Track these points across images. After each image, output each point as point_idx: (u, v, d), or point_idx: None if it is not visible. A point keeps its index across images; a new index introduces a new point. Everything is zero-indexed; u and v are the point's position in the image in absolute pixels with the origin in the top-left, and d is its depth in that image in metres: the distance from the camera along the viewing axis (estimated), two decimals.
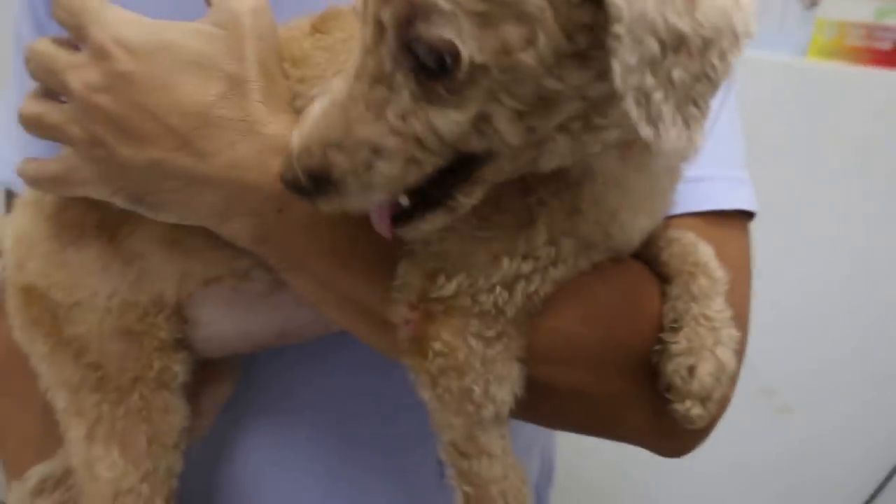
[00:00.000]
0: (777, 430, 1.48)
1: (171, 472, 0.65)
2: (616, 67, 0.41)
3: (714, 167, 0.68)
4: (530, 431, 0.85)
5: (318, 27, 0.62)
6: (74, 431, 0.65)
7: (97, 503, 0.64)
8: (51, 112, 0.58)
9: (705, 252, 0.60)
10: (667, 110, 0.42)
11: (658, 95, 0.42)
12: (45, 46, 0.58)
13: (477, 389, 0.55)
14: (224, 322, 0.66)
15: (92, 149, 0.57)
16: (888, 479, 1.42)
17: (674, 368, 0.57)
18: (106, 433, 0.64)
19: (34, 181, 0.61)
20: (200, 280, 0.64)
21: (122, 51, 0.55)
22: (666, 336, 0.59)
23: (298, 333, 0.67)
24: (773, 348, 1.45)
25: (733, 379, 0.60)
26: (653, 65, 0.42)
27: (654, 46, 0.41)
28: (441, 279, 0.54)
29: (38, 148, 0.62)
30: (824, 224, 1.45)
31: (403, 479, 0.77)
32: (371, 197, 0.48)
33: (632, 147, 0.52)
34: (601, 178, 0.54)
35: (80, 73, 0.56)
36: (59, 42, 0.58)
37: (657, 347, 0.59)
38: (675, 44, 0.42)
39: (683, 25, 0.42)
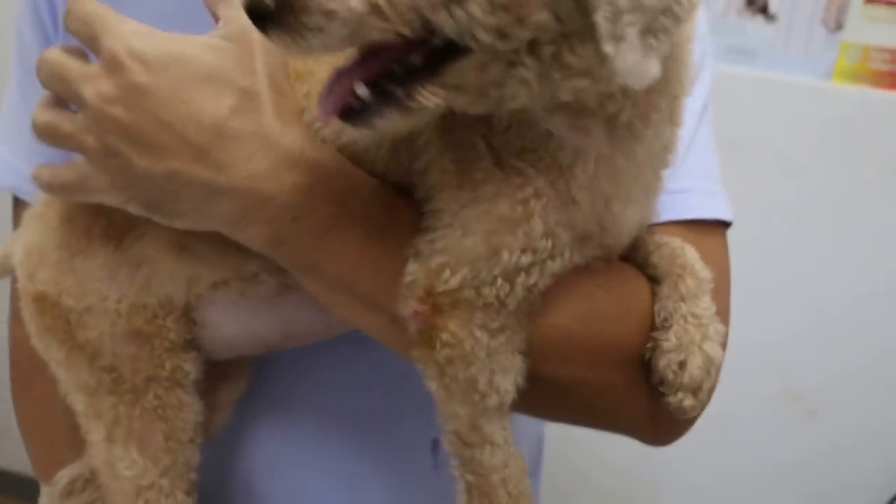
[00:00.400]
0: (802, 434, 1.49)
1: (189, 465, 0.68)
2: None
3: (694, 181, 0.72)
4: (519, 422, 0.87)
5: None
6: (95, 434, 0.67)
7: (121, 500, 0.67)
8: (64, 122, 0.59)
9: (691, 255, 0.65)
10: (631, 33, 0.46)
11: (627, 17, 0.45)
12: (57, 56, 0.59)
13: (482, 379, 0.58)
14: (231, 324, 0.68)
15: (107, 159, 0.58)
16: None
17: (666, 364, 0.61)
18: (124, 433, 0.66)
19: (48, 187, 0.62)
20: (208, 284, 0.65)
21: (136, 63, 0.56)
22: (657, 334, 0.63)
23: (303, 336, 0.69)
24: (800, 355, 1.46)
25: (719, 369, 0.63)
26: None
27: None
28: (446, 273, 0.57)
29: (43, 151, 0.62)
30: (849, 240, 1.48)
31: (401, 472, 0.79)
32: (326, 42, 0.48)
33: (616, 125, 0.55)
34: (592, 162, 0.57)
35: (93, 84, 0.56)
36: (70, 51, 0.59)
37: (649, 345, 0.63)
38: None
39: None
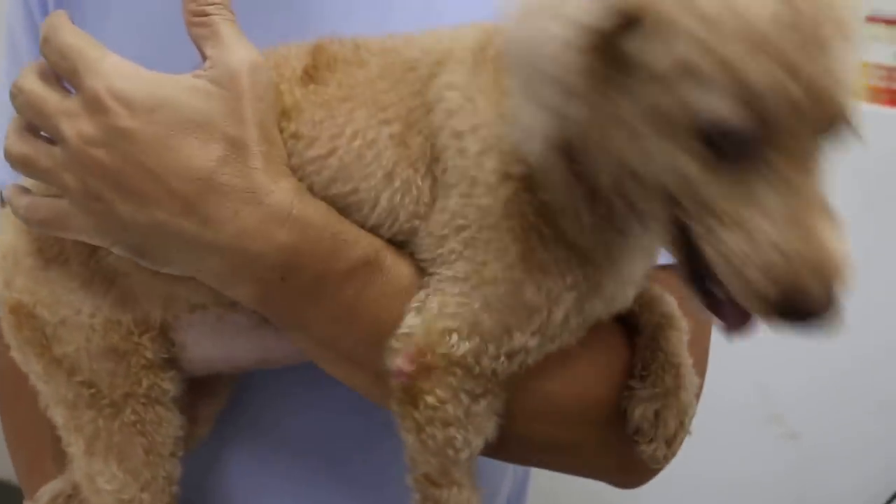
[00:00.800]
0: (784, 454, 1.51)
1: (170, 479, 0.66)
2: None
3: None
4: None
5: (312, 75, 0.61)
6: (75, 447, 0.66)
7: None
8: (41, 156, 0.57)
9: (670, 303, 0.64)
10: None
11: None
12: (33, 84, 0.57)
13: (459, 438, 0.58)
14: (207, 347, 0.66)
15: (88, 201, 0.56)
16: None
17: (642, 413, 0.62)
18: (104, 447, 0.65)
19: (24, 221, 0.60)
20: (185, 305, 0.64)
21: (119, 105, 0.54)
22: (634, 382, 0.63)
23: (282, 360, 0.68)
24: (781, 377, 1.47)
25: (691, 419, 0.64)
26: None
27: None
28: (454, 338, 0.56)
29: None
30: None
31: (380, 492, 0.78)
32: None
33: None
34: (626, 251, 0.58)
35: (74, 123, 0.54)
36: (47, 78, 0.57)
37: (626, 394, 0.63)
38: None
39: None
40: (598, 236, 0.56)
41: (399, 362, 0.57)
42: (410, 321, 0.57)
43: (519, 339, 0.56)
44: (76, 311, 0.64)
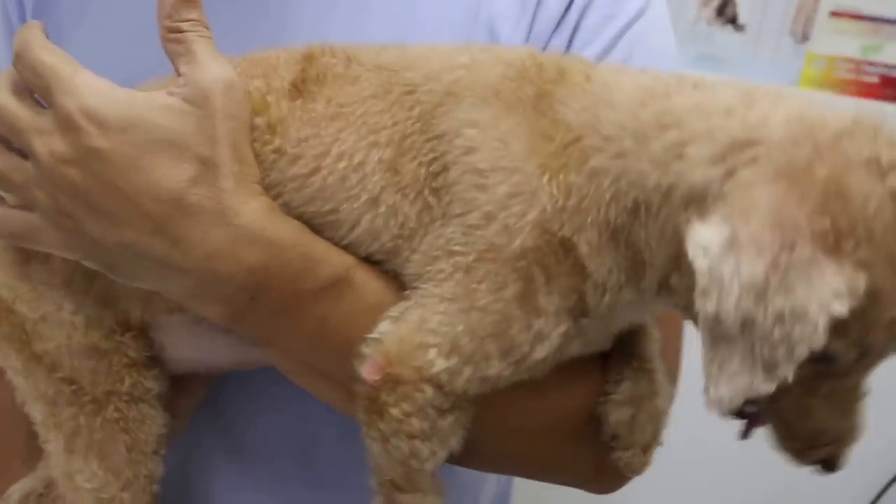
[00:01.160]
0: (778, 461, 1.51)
1: (151, 478, 0.66)
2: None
3: None
4: None
5: (301, 88, 0.60)
6: (54, 444, 0.65)
7: None
8: (13, 172, 0.57)
9: None
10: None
11: None
12: (6, 99, 0.56)
13: (425, 450, 0.57)
14: (185, 349, 0.67)
15: (58, 217, 0.56)
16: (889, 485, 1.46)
17: (618, 418, 0.62)
18: (84, 445, 0.64)
19: None
20: (164, 307, 0.63)
21: (91, 124, 0.53)
22: (609, 387, 0.63)
23: (259, 362, 0.67)
24: None
25: (665, 426, 0.64)
26: None
27: None
28: (432, 353, 0.55)
29: None
30: None
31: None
32: None
33: None
34: (621, 315, 0.59)
35: (45, 141, 0.54)
36: (20, 92, 0.57)
37: (601, 399, 0.63)
38: None
39: None
40: (613, 303, 0.56)
41: (365, 370, 0.56)
42: (384, 328, 0.57)
43: (495, 367, 0.56)
44: (57, 308, 0.63)
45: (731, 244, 0.44)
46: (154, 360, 0.66)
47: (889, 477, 1.48)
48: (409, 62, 0.61)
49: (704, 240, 0.45)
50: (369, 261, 0.60)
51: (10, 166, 0.57)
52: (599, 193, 0.53)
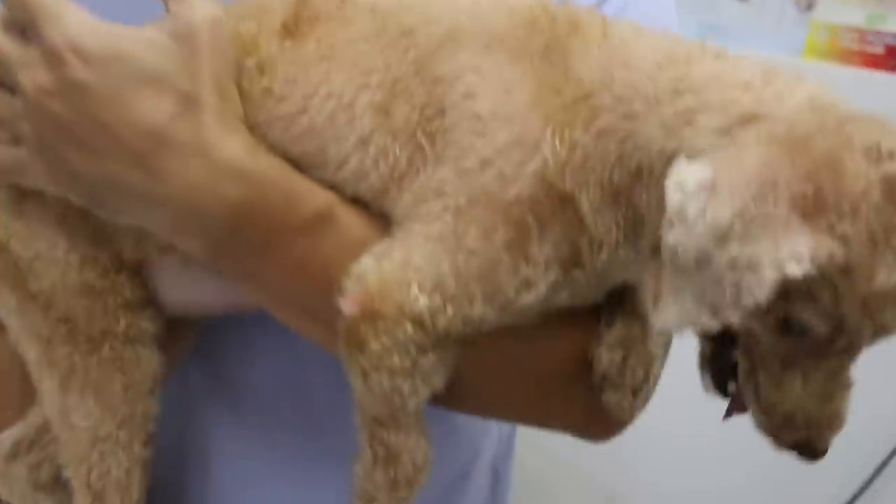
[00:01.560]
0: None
1: (147, 416, 0.66)
2: None
3: None
4: None
5: (292, 30, 0.61)
6: (48, 382, 0.65)
7: (74, 451, 0.66)
8: (1, 105, 0.58)
9: None
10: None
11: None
12: None
13: (406, 387, 0.57)
14: (178, 291, 0.67)
15: (43, 150, 0.57)
16: (891, 455, 1.44)
17: (609, 359, 0.62)
18: (80, 383, 0.64)
19: None
20: (154, 246, 0.64)
21: (76, 58, 0.54)
22: (602, 330, 0.63)
23: (252, 305, 0.67)
24: None
25: (657, 377, 0.64)
26: None
27: None
28: (414, 290, 0.55)
29: None
30: None
31: None
32: None
33: None
34: (616, 271, 0.59)
35: (32, 74, 0.55)
36: (10, 29, 0.57)
37: (593, 341, 0.63)
38: None
39: None
40: (610, 260, 0.56)
41: (345, 304, 0.57)
42: (367, 263, 0.57)
43: (479, 309, 0.56)
44: (52, 246, 0.64)
45: (706, 185, 0.45)
46: (149, 301, 0.67)
47: (874, 467, 1.48)
48: (406, 5, 0.61)
49: (682, 176, 0.46)
50: (357, 201, 0.60)
51: None
52: (605, 154, 0.53)
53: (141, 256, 0.65)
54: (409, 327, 0.55)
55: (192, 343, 0.75)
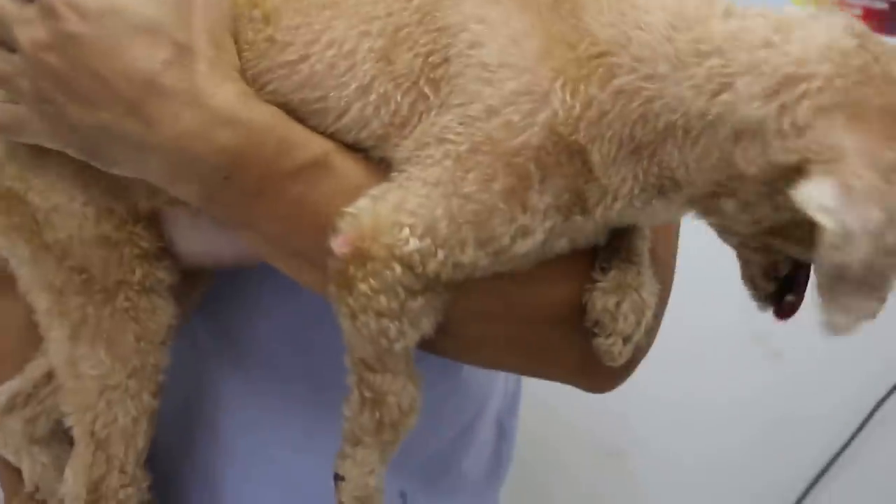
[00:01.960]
0: (768, 374, 1.54)
1: (157, 367, 0.68)
2: None
3: None
4: None
5: None
6: (58, 332, 0.67)
7: (81, 399, 0.67)
8: (1, 62, 0.59)
9: None
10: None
11: None
12: None
13: (393, 329, 0.58)
14: (190, 242, 0.68)
15: (42, 105, 0.58)
16: (871, 415, 1.48)
17: (603, 304, 0.62)
18: (91, 333, 0.66)
19: None
20: (165, 198, 0.64)
21: (71, 11, 0.56)
22: (596, 275, 0.63)
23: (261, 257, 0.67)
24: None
25: (652, 331, 0.65)
26: None
27: None
28: (405, 233, 0.56)
29: None
30: None
31: None
32: None
33: None
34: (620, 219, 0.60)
35: (28, 29, 0.57)
36: None
37: (587, 286, 0.63)
38: None
39: None
40: (624, 209, 0.58)
41: (336, 243, 0.57)
42: (362, 204, 0.58)
43: (470, 255, 0.57)
44: (70, 199, 0.65)
45: (841, 195, 0.48)
46: (166, 252, 0.68)
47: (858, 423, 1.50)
48: None
49: (816, 200, 0.48)
50: (357, 147, 0.61)
51: None
52: (626, 111, 0.54)
53: (154, 206, 0.66)
54: (398, 269, 0.56)
55: (199, 299, 0.76)
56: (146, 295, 0.66)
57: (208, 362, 0.80)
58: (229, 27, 0.60)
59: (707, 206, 0.57)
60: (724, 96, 0.52)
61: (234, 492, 0.81)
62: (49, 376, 0.73)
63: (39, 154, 0.65)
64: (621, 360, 0.62)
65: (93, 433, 0.67)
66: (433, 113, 0.58)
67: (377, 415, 0.61)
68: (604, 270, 0.63)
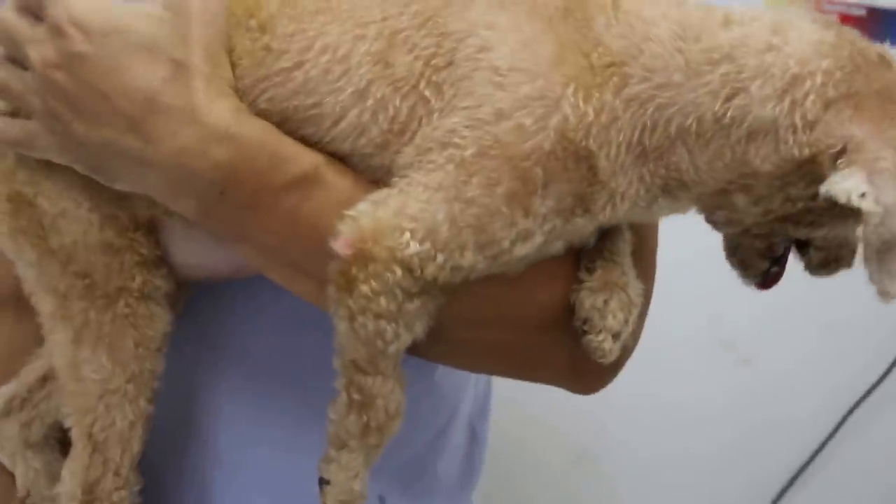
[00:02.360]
0: (738, 381, 1.55)
1: (154, 373, 0.69)
2: None
3: None
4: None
5: None
6: (61, 335, 0.68)
7: (82, 402, 0.68)
8: (14, 80, 0.62)
9: None
10: None
11: None
12: (8, 15, 0.62)
13: (390, 331, 0.59)
14: (185, 254, 0.70)
15: (51, 121, 0.61)
16: (845, 418, 1.49)
17: (591, 303, 0.63)
18: (93, 337, 0.67)
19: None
20: (163, 207, 0.66)
21: (77, 31, 0.59)
22: (582, 275, 0.65)
23: (254, 270, 0.68)
24: (732, 306, 1.49)
25: (637, 331, 0.67)
26: None
27: None
28: (406, 237, 0.57)
29: None
30: None
31: None
32: None
33: None
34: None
35: (39, 49, 0.60)
36: (23, 10, 0.62)
37: (574, 286, 0.65)
38: None
39: None
40: (630, 209, 0.60)
41: (338, 245, 0.59)
42: (362, 207, 0.59)
43: (469, 259, 0.58)
44: (76, 205, 0.67)
45: (877, 180, 0.51)
46: (163, 261, 0.70)
47: (833, 424, 1.52)
48: None
49: (853, 188, 0.52)
50: (357, 155, 0.62)
51: (10, 77, 0.63)
52: (637, 118, 0.57)
53: (153, 216, 0.68)
54: (398, 272, 0.57)
55: (181, 307, 0.76)
56: (144, 302, 0.68)
57: (193, 368, 0.81)
58: (224, 43, 0.62)
59: (716, 201, 0.60)
60: (739, 100, 0.56)
61: (222, 495, 0.82)
62: (44, 380, 0.76)
63: (50, 162, 0.66)
64: (611, 357, 0.63)
65: (91, 435, 0.68)
66: (435, 116, 0.59)
67: (364, 418, 0.62)
68: (590, 270, 0.64)
